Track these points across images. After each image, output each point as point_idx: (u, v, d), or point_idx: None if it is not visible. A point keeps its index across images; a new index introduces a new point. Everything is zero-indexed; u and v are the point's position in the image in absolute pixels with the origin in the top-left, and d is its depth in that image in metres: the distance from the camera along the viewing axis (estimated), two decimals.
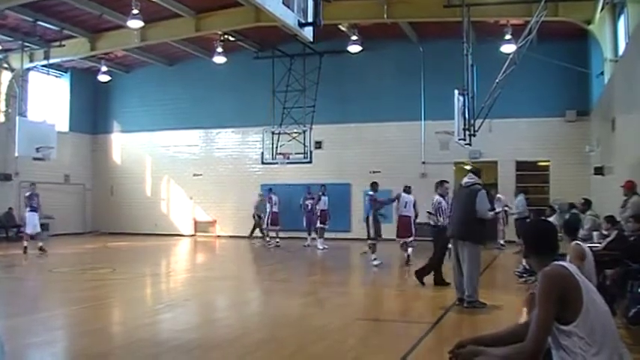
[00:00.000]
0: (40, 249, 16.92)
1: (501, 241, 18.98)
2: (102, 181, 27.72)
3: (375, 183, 15.25)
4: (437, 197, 11.43)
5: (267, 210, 20.51)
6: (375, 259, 14.31)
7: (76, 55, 23.41)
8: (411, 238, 14.80)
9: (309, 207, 20.41)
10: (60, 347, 6.93)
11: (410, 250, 14.85)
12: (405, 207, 14.88)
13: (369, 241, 14.72)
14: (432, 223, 11.53)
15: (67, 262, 15.77)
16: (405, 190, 15.18)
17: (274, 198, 20.57)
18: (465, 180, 9.25)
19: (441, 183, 11.63)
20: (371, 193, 14.92)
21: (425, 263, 11.19)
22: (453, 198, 10.23)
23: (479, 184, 9.02)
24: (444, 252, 11.00)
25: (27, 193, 17.79)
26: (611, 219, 9.55)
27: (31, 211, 17.19)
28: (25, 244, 16.97)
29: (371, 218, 14.64)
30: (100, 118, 27.97)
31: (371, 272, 13.92)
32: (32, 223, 17.10)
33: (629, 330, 6.38)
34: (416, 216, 15.04)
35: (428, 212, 11.93)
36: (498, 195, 18.90)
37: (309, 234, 20.59)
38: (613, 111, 14.77)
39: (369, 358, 6.08)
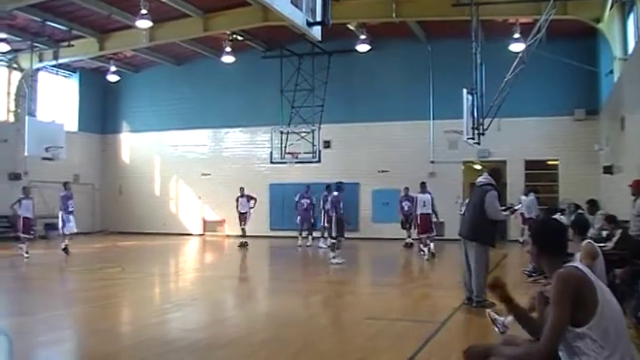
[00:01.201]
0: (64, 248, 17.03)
1: (521, 239, 18.97)
2: (111, 181, 27.86)
3: (341, 183, 15.49)
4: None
5: (241, 210, 19.96)
6: (334, 257, 14.54)
7: (85, 55, 23.56)
8: (431, 234, 15.44)
9: (305, 206, 20.12)
10: (68, 346, 6.95)
11: (432, 245, 15.51)
12: (425, 205, 15.74)
13: (330, 240, 15.12)
14: None
15: (76, 262, 15.81)
16: (421, 189, 16.04)
17: (242, 200, 19.98)
18: (479, 179, 9.14)
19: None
20: (335, 193, 15.10)
21: None
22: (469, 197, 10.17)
23: (491, 184, 8.86)
24: None
25: (61, 194, 17.76)
26: (612, 218, 9.48)
27: (66, 212, 17.22)
28: (64, 244, 16.89)
29: (334, 219, 14.82)
30: (108, 118, 28.11)
31: (377, 271, 13.87)
32: (70, 223, 17.14)
33: (637, 330, 6.33)
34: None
35: None
36: (522, 196, 18.64)
37: (301, 233, 20.22)
38: (622, 110, 14.69)
39: (376, 357, 6.05)
